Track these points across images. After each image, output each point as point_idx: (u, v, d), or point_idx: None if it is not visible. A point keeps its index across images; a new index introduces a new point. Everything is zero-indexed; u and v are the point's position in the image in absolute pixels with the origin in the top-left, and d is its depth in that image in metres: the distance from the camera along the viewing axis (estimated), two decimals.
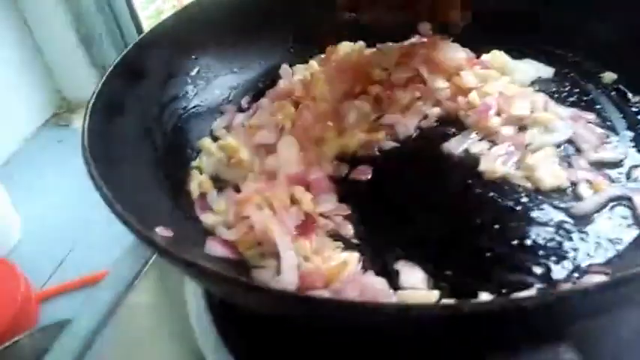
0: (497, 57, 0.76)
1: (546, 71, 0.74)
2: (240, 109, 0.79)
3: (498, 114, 0.67)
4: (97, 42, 2.03)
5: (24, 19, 2.05)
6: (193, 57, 0.79)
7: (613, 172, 0.58)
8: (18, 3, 2.02)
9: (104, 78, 0.65)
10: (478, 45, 0.77)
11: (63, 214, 1.65)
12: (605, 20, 0.71)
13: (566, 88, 0.72)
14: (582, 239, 0.51)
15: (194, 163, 0.69)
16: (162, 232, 0.52)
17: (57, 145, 2.01)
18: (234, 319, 0.56)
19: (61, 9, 1.98)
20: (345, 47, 0.80)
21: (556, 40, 0.75)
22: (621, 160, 0.59)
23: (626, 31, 0.68)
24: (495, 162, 0.61)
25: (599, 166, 0.59)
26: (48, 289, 1.48)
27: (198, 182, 0.65)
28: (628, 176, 0.57)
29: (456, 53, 0.74)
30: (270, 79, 0.82)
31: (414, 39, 0.79)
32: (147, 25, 2.20)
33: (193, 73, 0.79)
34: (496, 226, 0.54)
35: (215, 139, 0.72)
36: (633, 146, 0.61)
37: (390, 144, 0.67)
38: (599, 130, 0.64)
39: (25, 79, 2.08)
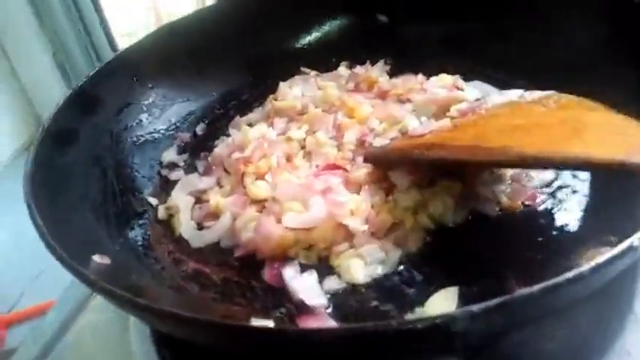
0: (443, 79, 0.78)
1: (493, 91, 0.76)
2: (195, 135, 0.81)
3: None
4: (73, 67, 2.06)
5: (1, 45, 2.07)
6: (149, 86, 0.81)
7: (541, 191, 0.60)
8: None
9: (57, 108, 0.67)
10: (430, 69, 0.79)
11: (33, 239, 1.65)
12: (539, 50, 0.73)
13: None
14: None
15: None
16: (99, 259, 0.53)
17: None
18: (174, 344, 0.57)
19: (38, 35, 2.01)
20: (284, 90, 0.81)
21: (498, 66, 0.77)
22: (552, 181, 0.61)
23: (558, 59, 0.71)
24: None
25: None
26: (14, 313, 1.48)
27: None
28: (553, 196, 0.59)
29: None
30: (226, 107, 0.85)
31: None
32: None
33: (149, 101, 0.81)
34: None
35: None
36: None
37: None
38: None
39: (1, 104, 2.09)
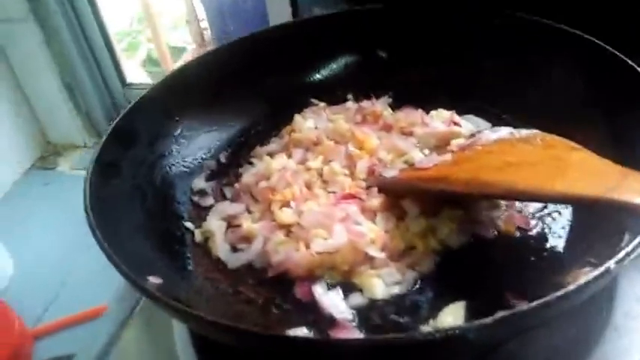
0: (441, 114, 0.88)
1: (485, 125, 0.86)
2: (219, 163, 0.89)
3: None
4: (80, 88, 2.13)
5: (10, 67, 2.15)
6: (176, 119, 0.89)
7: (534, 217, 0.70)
8: (5, 51, 2.12)
9: (101, 143, 0.75)
10: (427, 102, 0.89)
11: (51, 254, 1.74)
12: (529, 88, 0.83)
13: None
14: None
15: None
16: (153, 280, 0.61)
17: (43, 187, 2.10)
18: (216, 353, 0.66)
19: (46, 57, 2.08)
20: (299, 122, 0.91)
21: (487, 102, 0.88)
22: (542, 208, 0.71)
23: (543, 100, 0.80)
24: None
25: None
26: (41, 327, 1.55)
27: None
28: (543, 221, 0.69)
29: None
30: (246, 136, 0.94)
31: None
32: (123, 58, 2.31)
33: (177, 133, 0.89)
34: None
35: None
36: None
37: None
38: None
39: (11, 124, 2.17)
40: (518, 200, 0.70)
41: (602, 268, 0.47)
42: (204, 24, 2.35)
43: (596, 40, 0.74)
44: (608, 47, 0.72)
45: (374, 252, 0.65)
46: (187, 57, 2.49)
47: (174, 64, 2.35)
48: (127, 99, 2.17)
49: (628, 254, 0.48)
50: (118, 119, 0.80)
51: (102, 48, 2.12)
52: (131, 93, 2.19)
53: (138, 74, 2.55)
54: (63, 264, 1.68)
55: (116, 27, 2.50)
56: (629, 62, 0.68)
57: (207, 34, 2.42)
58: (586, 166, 0.59)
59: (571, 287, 0.46)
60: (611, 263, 0.47)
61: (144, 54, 2.70)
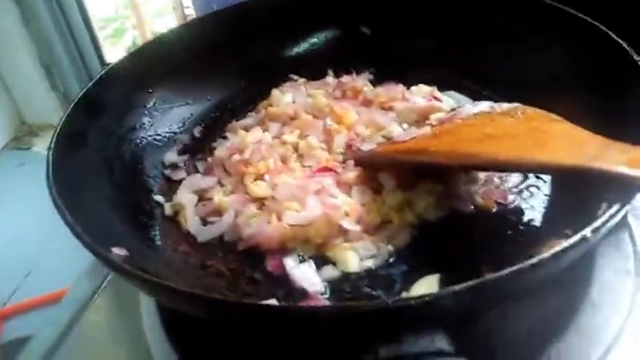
0: (422, 89, 0.86)
1: (466, 101, 0.85)
2: (193, 137, 0.87)
3: None
4: (57, 66, 2.08)
5: None
6: (150, 90, 0.86)
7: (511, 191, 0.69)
8: None
9: (67, 112, 0.72)
10: (409, 78, 0.88)
11: (26, 234, 1.70)
12: (513, 65, 0.82)
13: None
14: None
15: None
16: (118, 251, 0.59)
17: (18, 168, 2.06)
18: (184, 328, 0.64)
19: (22, 34, 2.03)
20: (277, 96, 0.88)
21: (470, 78, 0.86)
22: (520, 183, 0.70)
23: (527, 75, 0.79)
24: None
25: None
26: (8, 307, 1.52)
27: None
28: (521, 196, 0.68)
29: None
30: (221, 111, 0.91)
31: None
32: (108, 44, 2.26)
33: (150, 105, 0.86)
34: None
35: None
36: None
37: None
38: None
39: None
40: (499, 171, 0.69)
41: (577, 236, 0.45)
42: (190, 11, 2.31)
43: (579, 14, 0.72)
44: (589, 19, 0.71)
45: (348, 225, 0.63)
46: None
47: None
48: None
49: (604, 223, 0.46)
50: (87, 87, 0.78)
51: (81, 26, 2.07)
52: None
53: None
54: (37, 245, 1.65)
55: (102, 13, 2.45)
56: (614, 37, 0.67)
57: None
58: (567, 137, 0.57)
59: (545, 255, 0.44)
60: (587, 231, 0.46)
61: (129, 41, 2.65)
